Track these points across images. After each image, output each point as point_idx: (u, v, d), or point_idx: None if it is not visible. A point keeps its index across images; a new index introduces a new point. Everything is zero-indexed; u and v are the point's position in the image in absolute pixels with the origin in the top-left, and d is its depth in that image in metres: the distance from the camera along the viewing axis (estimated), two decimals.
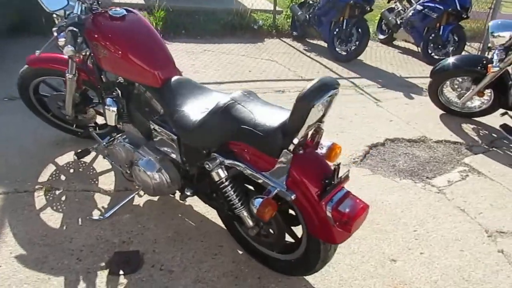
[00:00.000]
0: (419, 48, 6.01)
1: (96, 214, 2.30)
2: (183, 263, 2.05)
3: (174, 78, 1.97)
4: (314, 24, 5.84)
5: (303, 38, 6.37)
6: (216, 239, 2.20)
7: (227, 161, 1.74)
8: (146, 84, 2.00)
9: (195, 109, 1.83)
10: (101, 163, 2.73)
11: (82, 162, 2.74)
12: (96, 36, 1.99)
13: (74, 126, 2.87)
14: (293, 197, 1.62)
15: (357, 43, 5.32)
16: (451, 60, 3.85)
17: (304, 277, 2.01)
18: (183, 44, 5.50)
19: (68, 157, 2.76)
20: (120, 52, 1.94)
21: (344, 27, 5.35)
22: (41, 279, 1.89)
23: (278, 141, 1.55)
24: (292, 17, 6.36)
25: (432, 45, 5.75)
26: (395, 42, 6.89)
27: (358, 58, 5.53)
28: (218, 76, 4.46)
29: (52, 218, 2.25)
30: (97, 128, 2.78)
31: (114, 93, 2.12)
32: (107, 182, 2.57)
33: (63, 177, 2.58)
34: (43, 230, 2.16)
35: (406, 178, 2.96)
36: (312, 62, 5.34)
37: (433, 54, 5.77)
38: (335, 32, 5.42)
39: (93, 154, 2.74)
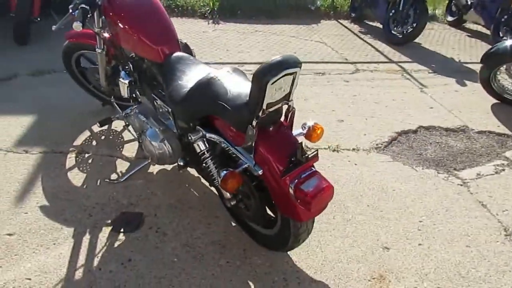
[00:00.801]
0: (490, 31, 5.50)
1: (114, 177, 2.55)
2: (178, 228, 2.20)
3: (174, 54, 2.10)
4: (370, 5, 5.61)
5: (362, 20, 6.15)
6: (213, 210, 2.32)
7: (208, 135, 1.84)
8: (151, 59, 2.15)
9: (184, 84, 1.94)
10: (129, 133, 2.97)
11: (113, 131, 3.01)
12: (110, 13, 2.17)
13: (112, 97, 3.14)
14: (260, 172, 1.68)
15: (414, 25, 5.03)
16: (509, 43, 3.51)
17: (288, 253, 2.07)
18: (236, 24, 5.61)
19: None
20: (127, 29, 2.11)
21: (400, 8, 5.07)
22: (55, 228, 2.16)
23: (244, 116, 1.61)
24: None
25: (504, 27, 5.23)
26: (466, 25, 6.37)
27: (416, 41, 5.23)
28: (260, 57, 4.52)
29: (77, 177, 2.53)
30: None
31: (127, 67, 2.31)
32: (130, 149, 2.81)
33: (94, 143, 2.87)
34: (67, 186, 2.45)
35: (430, 167, 2.83)
36: (363, 45, 5.16)
37: (505, 38, 5.25)
38: (391, 14, 5.17)
39: (122, 123, 2.99)
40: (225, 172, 1.65)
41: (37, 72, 3.71)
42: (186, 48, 2.40)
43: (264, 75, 1.45)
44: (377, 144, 3.06)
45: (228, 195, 1.89)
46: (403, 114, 3.50)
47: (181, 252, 2.07)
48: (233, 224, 2.24)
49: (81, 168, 2.61)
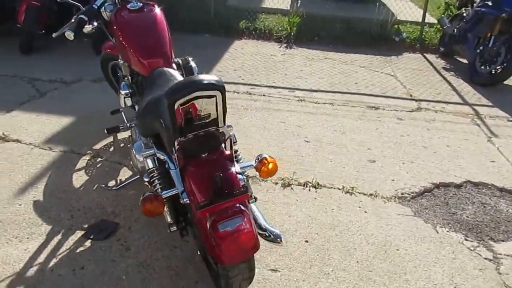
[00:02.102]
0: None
1: (111, 184, 2.60)
2: (143, 245, 2.14)
3: (158, 69, 2.07)
4: (459, 40, 5.02)
5: (451, 56, 5.53)
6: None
7: (158, 153, 1.76)
8: (140, 72, 2.16)
9: (148, 99, 1.89)
10: None
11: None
12: (113, 27, 2.25)
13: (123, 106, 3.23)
14: (186, 200, 1.54)
15: (504, 65, 4.34)
16: None
17: None
18: (308, 50, 5.48)
19: (126, 133, 3.15)
20: (123, 42, 2.16)
21: (490, 45, 4.43)
22: (36, 223, 2.26)
23: (170, 137, 1.49)
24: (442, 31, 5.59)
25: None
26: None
27: (506, 82, 4.51)
28: (315, 84, 4.31)
29: (79, 179, 2.64)
30: None
31: (126, 79, 2.35)
32: None
33: (111, 149, 2.98)
34: (66, 186, 2.57)
35: (458, 231, 2.35)
36: (440, 82, 4.61)
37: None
38: (478, 50, 4.55)
39: None
40: (147, 194, 1.54)
41: (98, 78, 4.03)
42: (186, 64, 2.37)
43: (171, 94, 1.34)
44: (402, 193, 2.65)
45: (168, 219, 1.78)
46: (452, 164, 2.99)
47: (133, 271, 2.00)
48: (198, 253, 2.10)
49: (87, 171, 2.72)
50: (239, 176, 1.59)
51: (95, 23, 2.27)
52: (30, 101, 3.62)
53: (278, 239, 1.79)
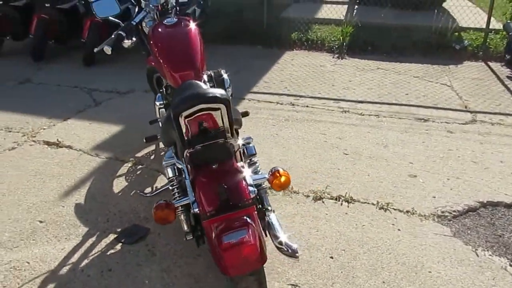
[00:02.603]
0: None
1: (147, 191, 2.71)
2: (168, 252, 2.21)
3: (186, 81, 2.13)
4: None
5: None
6: None
7: (177, 162, 1.81)
8: (172, 84, 2.24)
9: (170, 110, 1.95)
10: None
11: None
12: (150, 42, 2.36)
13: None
14: (196, 210, 1.56)
15: None
16: None
17: None
18: (360, 60, 5.34)
19: None
20: (158, 56, 2.25)
21: None
22: (75, 225, 2.42)
23: (181, 148, 1.53)
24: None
25: None
26: None
27: None
28: (362, 95, 4.18)
29: (119, 185, 2.79)
30: None
31: (161, 91, 2.45)
32: None
33: (152, 157, 3.11)
34: (107, 191, 2.72)
35: (502, 256, 2.15)
36: (502, 92, 4.26)
37: None
38: None
39: None
40: (160, 201, 1.59)
41: (150, 89, 4.24)
42: (218, 76, 2.42)
43: (176, 107, 1.37)
44: (442, 212, 2.47)
45: (184, 227, 1.81)
46: (504, 182, 2.74)
47: (156, 277, 2.06)
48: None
49: (127, 177, 2.86)
50: (250, 188, 1.58)
51: (134, 39, 2.40)
52: (86, 110, 3.90)
53: (295, 254, 1.76)
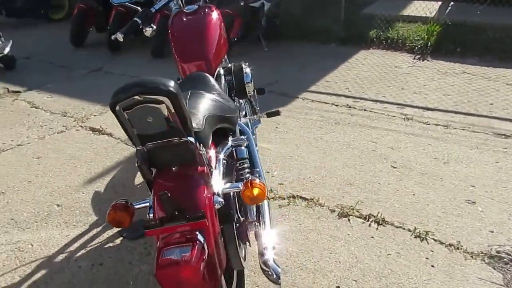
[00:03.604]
0: None
1: None
2: None
3: (193, 73, 1.96)
4: None
5: None
6: None
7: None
8: (180, 74, 2.08)
9: None
10: None
11: None
12: (168, 31, 2.22)
13: None
14: (150, 215, 1.37)
15: None
16: None
17: None
18: (444, 63, 4.70)
19: None
20: (172, 46, 2.11)
21: None
22: (86, 213, 2.41)
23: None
24: None
25: None
26: None
27: None
28: (434, 102, 3.62)
29: (140, 177, 2.71)
30: None
31: (179, 81, 2.31)
32: None
33: None
34: (127, 181, 2.67)
35: None
36: None
37: None
38: None
39: None
40: (119, 201, 1.42)
41: None
42: (237, 69, 2.21)
43: (112, 97, 1.18)
44: (498, 252, 1.96)
45: None
46: None
47: (141, 279, 1.93)
48: None
49: None
50: (216, 198, 1.35)
51: (154, 26, 2.29)
52: None
53: (278, 281, 1.51)
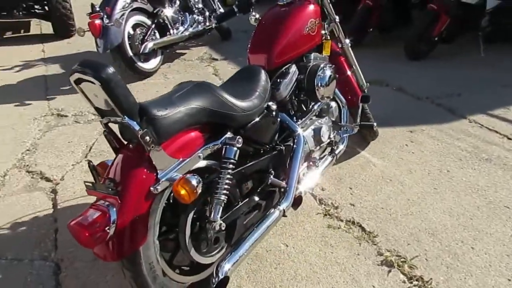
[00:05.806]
0: None
1: None
2: None
3: (246, 66, 1.96)
4: None
5: None
6: None
7: None
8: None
9: None
10: None
11: None
12: None
13: None
14: None
15: None
16: None
17: None
18: None
19: None
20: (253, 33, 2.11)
21: None
22: None
23: None
24: None
25: None
26: None
27: None
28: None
29: None
30: None
31: None
32: None
33: None
34: None
35: None
36: None
37: None
38: None
39: None
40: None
41: None
42: (311, 70, 2.03)
43: (72, 69, 1.32)
44: None
45: None
46: None
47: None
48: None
49: None
50: (157, 185, 1.38)
51: (257, 15, 2.25)
52: None
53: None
